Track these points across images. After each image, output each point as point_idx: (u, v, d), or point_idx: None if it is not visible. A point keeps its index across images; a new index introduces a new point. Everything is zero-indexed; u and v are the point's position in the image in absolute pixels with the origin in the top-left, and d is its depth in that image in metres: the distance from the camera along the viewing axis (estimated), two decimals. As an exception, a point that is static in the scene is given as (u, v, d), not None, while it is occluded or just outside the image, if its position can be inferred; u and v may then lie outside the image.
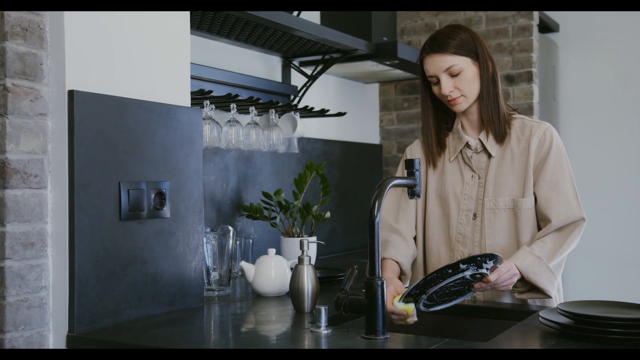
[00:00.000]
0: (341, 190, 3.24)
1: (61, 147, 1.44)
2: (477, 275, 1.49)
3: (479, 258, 1.47)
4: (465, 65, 1.72)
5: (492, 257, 1.49)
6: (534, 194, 1.72)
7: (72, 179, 1.42)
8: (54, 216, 1.45)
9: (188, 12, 1.76)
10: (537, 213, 1.73)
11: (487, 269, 1.49)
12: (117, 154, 1.52)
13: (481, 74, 1.74)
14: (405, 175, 1.51)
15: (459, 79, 1.72)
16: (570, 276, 3.67)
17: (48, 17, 1.45)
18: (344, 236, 3.25)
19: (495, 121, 1.76)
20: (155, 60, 1.65)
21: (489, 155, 1.78)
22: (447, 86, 1.72)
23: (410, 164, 1.51)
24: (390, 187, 1.41)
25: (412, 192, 1.52)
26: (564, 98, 3.82)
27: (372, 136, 3.65)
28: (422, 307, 1.48)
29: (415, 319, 1.53)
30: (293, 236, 2.45)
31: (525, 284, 1.65)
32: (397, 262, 1.77)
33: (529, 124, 1.77)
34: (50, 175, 1.45)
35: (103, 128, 1.49)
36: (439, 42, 1.73)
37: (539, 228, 1.74)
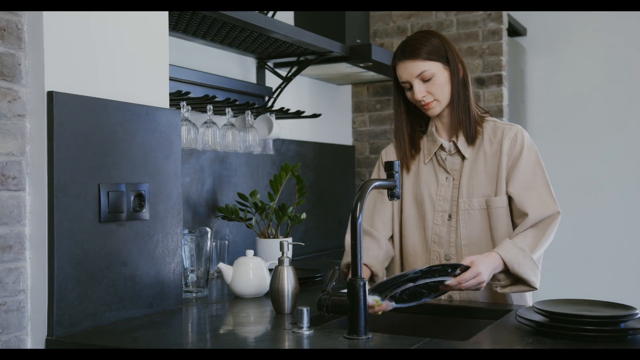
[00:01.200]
0: (315, 191, 3.26)
1: (40, 148, 1.42)
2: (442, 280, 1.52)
3: (446, 268, 1.50)
4: (437, 70, 1.76)
5: (457, 266, 1.52)
6: (510, 194, 1.76)
7: (51, 180, 1.41)
8: (32, 218, 1.43)
9: (166, 13, 1.75)
10: (513, 211, 1.77)
11: (451, 275, 1.52)
12: (96, 155, 1.51)
13: (452, 78, 1.78)
14: (385, 177, 1.53)
15: (431, 84, 1.76)
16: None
17: (26, 17, 1.43)
18: (318, 237, 3.27)
19: (466, 124, 1.80)
20: (134, 62, 1.64)
21: (463, 157, 1.82)
22: (419, 91, 1.76)
23: (389, 166, 1.53)
24: (372, 189, 1.43)
25: (392, 194, 1.54)
26: (531, 100, 3.91)
27: (344, 137, 3.68)
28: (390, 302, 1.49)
29: (386, 308, 1.52)
30: (269, 237, 2.46)
31: (508, 277, 1.67)
32: (366, 265, 1.79)
33: (500, 126, 1.82)
34: (29, 177, 1.43)
35: (83, 129, 1.48)
36: (410, 49, 1.76)
37: (514, 227, 1.77)
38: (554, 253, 3.65)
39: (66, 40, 1.47)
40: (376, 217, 1.88)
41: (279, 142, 3.00)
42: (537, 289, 1.67)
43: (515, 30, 3.77)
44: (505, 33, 3.37)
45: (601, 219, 3.70)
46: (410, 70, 1.76)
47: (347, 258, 1.84)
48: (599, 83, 3.73)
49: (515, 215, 1.77)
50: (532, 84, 3.90)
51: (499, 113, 3.33)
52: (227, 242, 2.41)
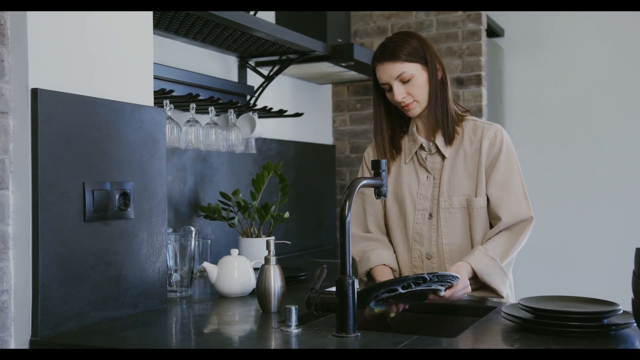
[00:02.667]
0: (296, 190, 3.25)
1: (24, 146, 1.40)
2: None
3: (441, 278, 1.52)
4: (416, 72, 1.77)
5: (454, 277, 1.54)
6: (487, 194, 1.78)
7: (35, 179, 1.39)
8: (16, 218, 1.40)
9: (151, 12, 1.74)
10: (489, 211, 1.79)
11: (444, 287, 1.54)
12: (81, 153, 1.49)
13: (430, 78, 1.79)
14: (372, 175, 1.54)
15: (410, 85, 1.78)
16: (519, 274, 3.79)
17: (10, 14, 1.40)
18: (299, 236, 3.26)
19: (444, 124, 1.81)
20: (119, 59, 1.63)
21: (443, 157, 1.83)
22: (399, 93, 1.78)
23: (376, 165, 1.54)
24: (360, 187, 1.43)
25: (379, 192, 1.55)
26: (509, 101, 3.96)
27: (325, 137, 3.68)
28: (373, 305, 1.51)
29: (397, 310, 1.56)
30: (251, 236, 2.45)
31: (477, 281, 1.72)
32: (386, 265, 1.81)
33: (480, 126, 1.83)
34: (12, 176, 1.41)
35: (67, 127, 1.46)
36: (389, 51, 1.78)
37: (491, 226, 1.80)
38: (536, 252, 3.70)
39: (51, 37, 1.45)
40: (369, 219, 1.90)
41: (261, 141, 2.99)
42: (504, 297, 1.74)
43: (493, 31, 3.81)
44: (484, 34, 3.41)
45: (581, 219, 3.76)
46: (389, 72, 1.77)
47: (361, 267, 1.85)
48: (576, 83, 3.79)
49: (491, 216, 1.79)
50: (510, 84, 3.95)
51: (478, 113, 3.37)
52: (209, 241, 2.40)
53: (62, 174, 1.44)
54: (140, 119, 1.66)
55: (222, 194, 2.50)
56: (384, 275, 1.77)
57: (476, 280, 1.71)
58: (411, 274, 1.83)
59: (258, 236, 2.45)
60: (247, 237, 2.45)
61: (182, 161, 2.52)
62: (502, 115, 3.87)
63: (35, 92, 1.39)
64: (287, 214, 2.52)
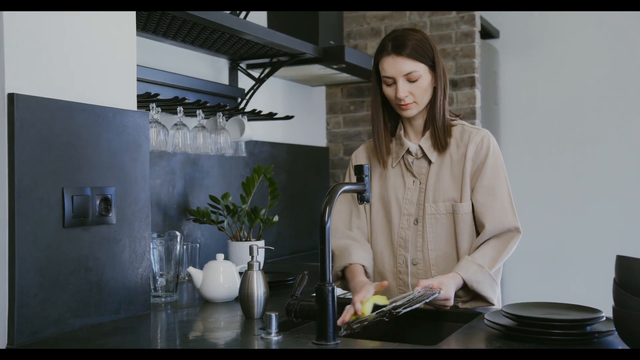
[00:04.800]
0: (288, 193, 3.24)
1: (1, 152, 1.38)
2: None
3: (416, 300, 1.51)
4: (424, 73, 1.73)
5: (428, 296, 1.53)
6: (472, 200, 1.76)
7: (12, 184, 1.37)
8: (-8, 224, 1.39)
9: (134, 13, 1.73)
10: (474, 218, 1.76)
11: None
12: (60, 159, 1.48)
13: (436, 83, 1.76)
14: (355, 180, 1.52)
15: (415, 85, 1.73)
16: (507, 278, 3.78)
17: (-14, 17, 1.39)
18: (291, 239, 3.25)
19: (439, 132, 1.78)
20: (100, 63, 1.61)
21: (429, 161, 1.80)
22: (403, 90, 1.72)
23: (359, 170, 1.52)
24: (341, 193, 1.42)
25: (362, 198, 1.53)
26: (504, 102, 3.94)
27: (319, 139, 3.67)
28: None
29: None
30: (241, 240, 2.43)
31: (468, 293, 1.70)
32: (360, 264, 1.77)
33: (467, 130, 1.80)
34: (-11, 181, 1.39)
35: (45, 132, 1.44)
36: (402, 45, 1.72)
37: (477, 233, 1.77)
38: (531, 254, 3.68)
39: (27, 41, 1.43)
40: (354, 221, 1.87)
41: (252, 144, 2.97)
42: (494, 304, 1.71)
43: (488, 33, 3.80)
44: (478, 35, 3.39)
45: (576, 220, 3.74)
46: (399, 67, 1.72)
47: (339, 261, 1.80)
48: (571, 84, 3.77)
49: (476, 224, 1.76)
50: (505, 86, 3.93)
51: (471, 115, 3.35)
52: (198, 245, 2.38)
53: (40, 179, 1.43)
54: (122, 123, 1.65)
55: (212, 197, 2.48)
56: (359, 274, 1.73)
57: (467, 292, 1.69)
58: (395, 279, 1.80)
59: (248, 240, 2.44)
60: (237, 240, 2.43)
61: (170, 164, 2.50)
62: (496, 116, 3.85)
63: (11, 97, 1.38)
64: (276, 218, 2.50)
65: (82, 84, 1.56)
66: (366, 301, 1.52)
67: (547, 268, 3.79)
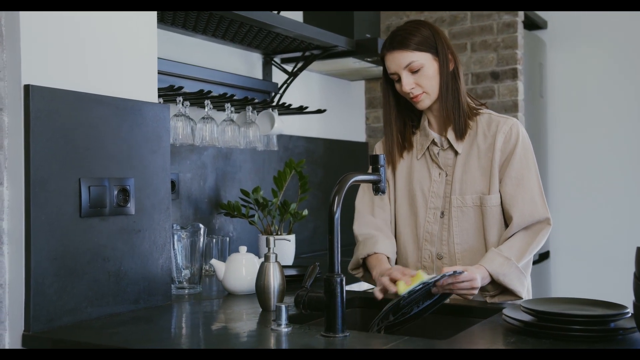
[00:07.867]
0: (324, 189, 3.22)
1: (17, 143, 1.41)
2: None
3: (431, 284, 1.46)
4: (426, 62, 1.69)
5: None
6: (500, 192, 1.69)
7: (27, 175, 1.40)
8: (10, 213, 1.42)
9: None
10: (503, 210, 1.70)
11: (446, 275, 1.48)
12: (77, 150, 1.50)
13: (440, 69, 1.71)
14: (371, 171, 1.49)
15: (419, 75, 1.69)
16: (550, 274, 3.64)
17: (4, 12, 1.42)
18: (326, 235, 3.21)
19: (455, 117, 1.72)
20: (119, 55, 1.63)
21: (456, 152, 1.75)
22: (407, 83, 1.70)
23: (375, 160, 1.48)
24: (351, 183, 1.39)
25: (377, 189, 1.50)
26: (551, 95, 3.80)
27: (357, 134, 3.63)
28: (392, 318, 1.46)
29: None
30: (271, 234, 2.43)
31: (496, 287, 1.63)
32: (384, 254, 1.73)
33: (495, 120, 1.74)
34: (7, 172, 1.42)
35: (62, 124, 1.47)
36: (398, 39, 1.70)
37: (506, 226, 1.71)
38: (561, 252, 3.54)
39: (44, 33, 1.46)
40: (377, 212, 1.82)
41: (287, 139, 2.97)
42: (522, 298, 1.63)
43: (534, 24, 3.67)
44: (520, 26, 3.28)
45: (625, 215, 3.57)
46: (398, 61, 1.70)
47: (364, 248, 1.75)
48: (622, 79, 3.60)
49: (505, 215, 1.70)
50: (552, 79, 3.79)
51: (513, 108, 3.24)
52: (228, 238, 2.39)
53: (56, 170, 1.45)
54: (141, 115, 1.66)
55: (242, 191, 2.49)
56: (383, 262, 1.69)
57: (495, 286, 1.62)
58: None
59: (279, 234, 2.43)
60: (268, 234, 2.43)
61: (202, 158, 2.52)
62: (543, 109, 3.72)
63: (27, 88, 1.40)
64: (305, 212, 2.48)
65: (100, 76, 1.58)
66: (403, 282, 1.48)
67: (594, 265, 3.63)
